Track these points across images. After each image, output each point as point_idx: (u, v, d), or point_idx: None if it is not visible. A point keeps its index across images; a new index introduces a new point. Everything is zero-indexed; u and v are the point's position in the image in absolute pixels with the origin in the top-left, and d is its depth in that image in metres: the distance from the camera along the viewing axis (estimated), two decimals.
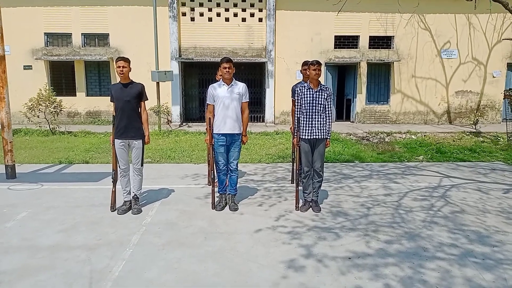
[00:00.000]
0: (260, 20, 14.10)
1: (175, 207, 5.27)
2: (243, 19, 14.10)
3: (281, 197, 5.77)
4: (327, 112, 4.95)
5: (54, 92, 12.34)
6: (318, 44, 14.15)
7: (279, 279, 3.40)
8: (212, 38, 14.08)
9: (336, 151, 9.23)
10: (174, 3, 13.62)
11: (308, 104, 4.89)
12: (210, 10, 13.99)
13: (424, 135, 12.36)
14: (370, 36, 14.30)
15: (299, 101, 4.95)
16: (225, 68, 4.91)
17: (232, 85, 4.98)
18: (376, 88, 14.78)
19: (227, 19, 14.08)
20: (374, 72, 14.62)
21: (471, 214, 4.99)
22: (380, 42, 14.46)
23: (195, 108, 15.76)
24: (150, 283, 3.33)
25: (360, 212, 5.08)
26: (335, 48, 14.28)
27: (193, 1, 13.93)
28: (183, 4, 13.96)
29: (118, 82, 5.04)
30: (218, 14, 14.01)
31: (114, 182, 5.09)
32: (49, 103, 11.64)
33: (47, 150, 9.40)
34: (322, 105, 4.89)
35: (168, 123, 13.61)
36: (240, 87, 5.03)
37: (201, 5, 13.97)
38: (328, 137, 5.00)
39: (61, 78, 14.36)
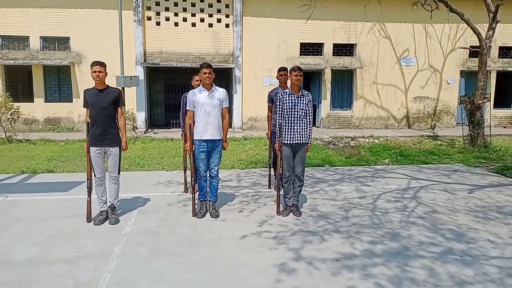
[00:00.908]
0: (227, 26, 14.13)
1: (153, 216, 5.14)
2: (210, 25, 14.06)
3: (259, 202, 5.78)
4: (308, 117, 5.03)
5: (11, 98, 11.67)
6: (285, 51, 14.38)
7: (273, 283, 3.40)
8: (178, 43, 13.92)
9: (306, 155, 9.36)
10: (139, 7, 13.36)
11: (290, 110, 4.94)
12: (176, 15, 13.85)
13: (386, 139, 12.84)
14: (334, 44, 14.73)
15: (280, 106, 4.99)
16: (205, 73, 4.86)
17: (212, 90, 4.95)
18: (340, 94, 15.22)
19: (193, 24, 13.99)
20: (338, 79, 15.05)
21: (443, 213, 5.24)
22: (344, 49, 14.92)
23: (160, 114, 15.49)
24: None
25: (339, 215, 5.19)
26: (300, 55, 14.57)
27: (159, 5, 13.73)
28: (148, 8, 13.72)
29: (93, 87, 4.86)
30: (185, 19, 13.89)
31: (89, 191, 4.89)
32: (5, 109, 11.00)
33: (5, 159, 8.87)
34: (303, 110, 4.97)
35: (134, 130, 13.26)
36: (221, 92, 5.01)
37: (166, 9, 13.79)
38: (309, 142, 5.08)
39: (17, 83, 13.65)
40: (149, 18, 13.76)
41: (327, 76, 14.74)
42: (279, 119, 5.02)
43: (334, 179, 7.29)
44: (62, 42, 13.52)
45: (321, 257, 3.92)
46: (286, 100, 4.99)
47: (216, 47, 14.22)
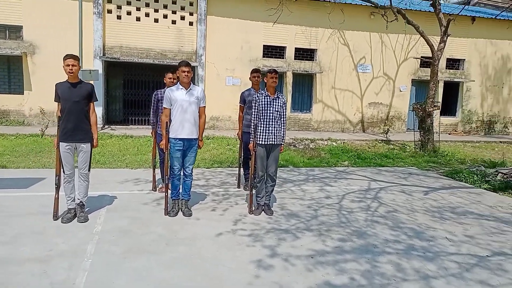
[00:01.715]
0: (191, 24, 14.02)
1: (124, 214, 5.05)
2: (173, 22, 13.88)
3: (231, 201, 5.85)
4: (282, 119, 5.17)
5: None
6: (248, 52, 14.50)
7: (252, 279, 3.50)
8: (140, 38, 13.61)
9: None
10: None
11: (265, 111, 5.06)
12: (138, 9, 13.52)
13: (344, 142, 13.34)
14: (295, 48, 15.07)
15: (256, 107, 5.10)
16: (184, 72, 4.86)
17: (190, 89, 4.95)
18: (300, 97, 15.60)
19: (156, 20, 13.74)
20: (299, 82, 15.42)
21: (403, 213, 5.60)
22: (305, 54, 15.32)
23: (118, 110, 15.06)
24: None
25: (309, 214, 5.39)
26: (263, 57, 14.77)
27: None
28: (109, 1, 13.29)
29: (65, 81, 4.70)
30: (147, 14, 13.61)
31: (57, 188, 4.71)
32: None
33: None
34: (278, 112, 5.10)
35: None
36: (198, 91, 5.03)
37: (128, 3, 13.43)
38: (283, 143, 5.23)
39: None
40: (109, 11, 13.33)
41: (289, 79, 15.05)
42: (254, 120, 5.12)
43: (299, 180, 7.51)
44: (13, 31, 12.73)
45: (296, 254, 4.07)
46: (262, 101, 5.10)
47: (179, 45, 14.05)
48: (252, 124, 5.11)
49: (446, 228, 5.02)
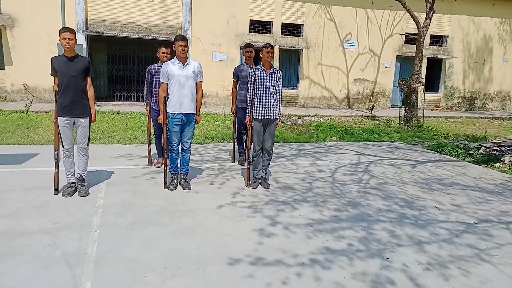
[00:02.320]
0: None
1: (123, 188, 5.12)
2: None
3: (227, 175, 5.97)
4: (278, 93, 5.26)
5: None
6: (234, 27, 14.36)
7: (257, 246, 3.66)
8: (123, 11, 13.29)
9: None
10: None
11: (262, 86, 5.13)
12: None
13: (330, 118, 13.54)
14: (282, 23, 14.99)
15: (252, 82, 5.16)
16: (181, 46, 4.86)
17: (187, 63, 4.96)
18: (287, 73, 15.61)
19: None
20: (286, 58, 15.41)
21: (394, 185, 5.84)
22: (291, 29, 15.26)
23: (103, 86, 14.81)
24: (134, 261, 3.29)
25: (304, 187, 5.57)
26: (250, 32, 14.65)
27: None
28: None
29: (61, 54, 4.64)
30: None
31: (57, 162, 4.73)
32: None
33: None
34: (274, 87, 5.19)
35: None
36: (195, 66, 5.04)
37: None
38: (279, 117, 5.34)
39: None
40: None
41: (275, 55, 14.98)
42: (251, 95, 5.18)
43: (291, 154, 7.67)
44: None
45: (295, 223, 4.25)
46: (258, 76, 5.16)
47: (163, 18, 13.79)
48: (249, 99, 5.18)
49: (435, 198, 5.28)
